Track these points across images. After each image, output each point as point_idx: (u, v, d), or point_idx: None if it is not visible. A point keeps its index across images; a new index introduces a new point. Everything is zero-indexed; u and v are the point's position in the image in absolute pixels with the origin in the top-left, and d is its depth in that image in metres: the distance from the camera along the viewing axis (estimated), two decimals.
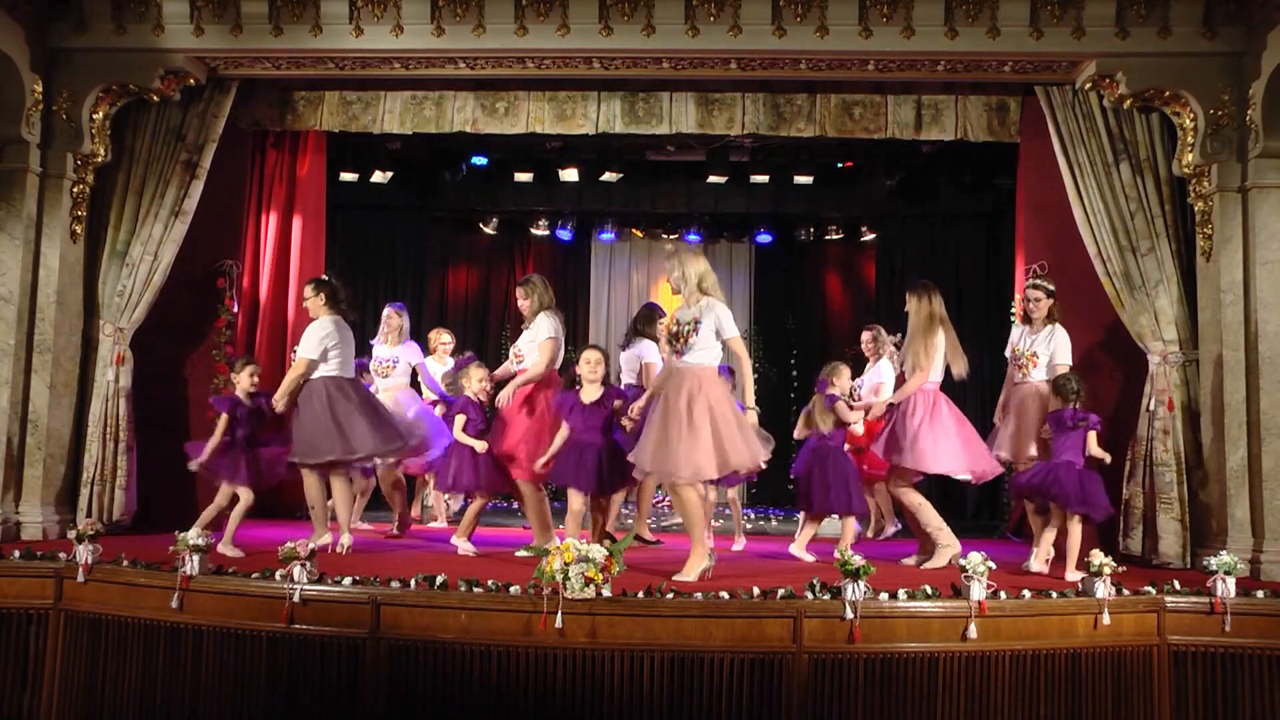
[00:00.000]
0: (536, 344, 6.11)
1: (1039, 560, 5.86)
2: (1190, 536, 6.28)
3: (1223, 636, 5.08)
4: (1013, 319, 7.93)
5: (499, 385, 6.45)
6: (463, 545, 6.24)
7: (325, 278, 6.45)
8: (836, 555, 6.04)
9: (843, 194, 10.72)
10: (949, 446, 5.95)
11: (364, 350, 7.23)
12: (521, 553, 6.02)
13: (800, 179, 10.00)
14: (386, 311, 7.63)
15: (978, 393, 10.43)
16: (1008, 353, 6.41)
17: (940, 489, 8.10)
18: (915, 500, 6.03)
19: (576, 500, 5.78)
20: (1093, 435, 5.74)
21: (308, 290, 6.35)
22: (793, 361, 11.66)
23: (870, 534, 7.53)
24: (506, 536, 7.14)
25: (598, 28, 6.46)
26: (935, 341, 6.00)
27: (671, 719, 4.60)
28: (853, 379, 6.73)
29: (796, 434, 6.47)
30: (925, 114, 7.17)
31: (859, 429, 6.39)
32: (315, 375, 6.11)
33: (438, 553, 6.30)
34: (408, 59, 6.78)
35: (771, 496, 10.61)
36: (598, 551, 4.62)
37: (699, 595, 4.77)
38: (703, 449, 5.14)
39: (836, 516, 6.37)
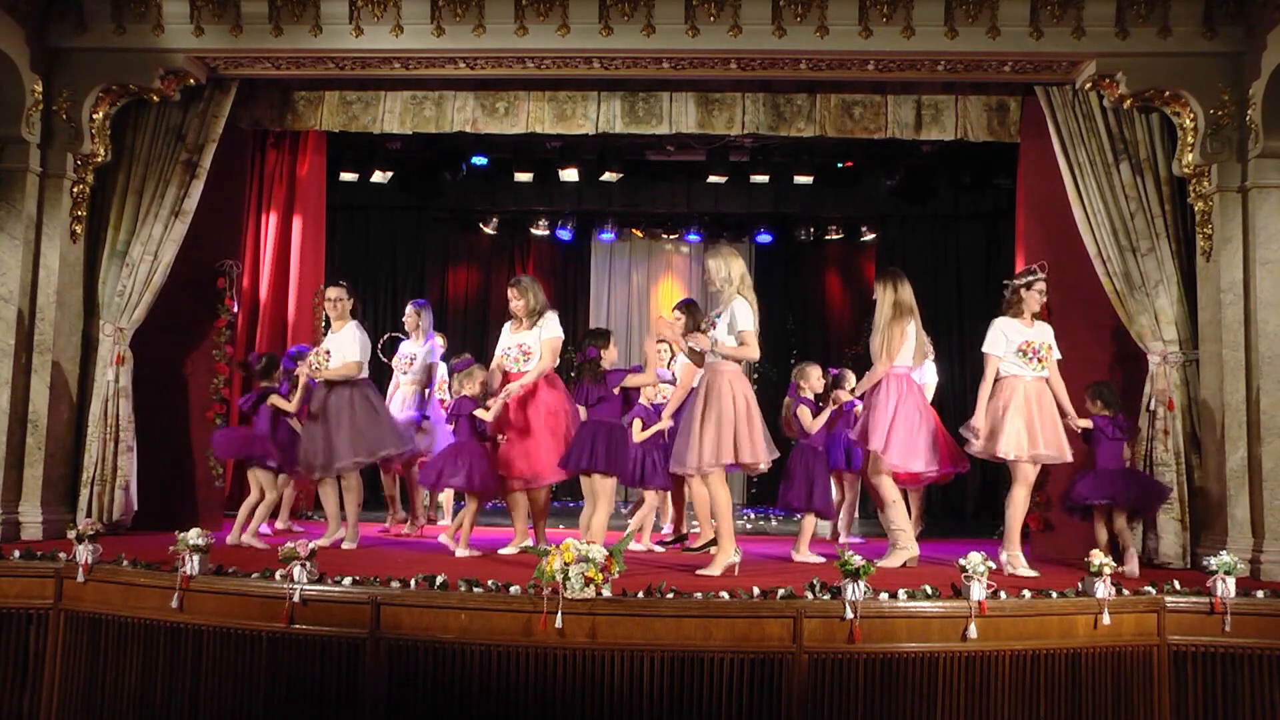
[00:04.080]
0: (543, 341, 6.18)
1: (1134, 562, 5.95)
2: (1190, 536, 6.28)
3: (1223, 636, 5.08)
4: None
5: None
6: (461, 551, 6.24)
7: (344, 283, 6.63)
8: (792, 554, 6.19)
9: (843, 194, 10.72)
10: (921, 441, 5.98)
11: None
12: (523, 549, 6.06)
13: (800, 179, 10.00)
14: (408, 309, 7.77)
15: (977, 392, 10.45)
16: (1017, 348, 5.95)
17: (940, 487, 8.09)
18: (891, 495, 6.03)
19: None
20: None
21: (341, 293, 6.50)
22: (792, 361, 11.60)
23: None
24: (507, 536, 7.14)
25: (598, 28, 6.46)
26: (902, 330, 6.00)
27: (671, 719, 4.60)
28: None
29: (785, 431, 6.50)
30: (925, 114, 7.16)
31: (813, 426, 6.36)
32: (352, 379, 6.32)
33: (438, 553, 6.30)
34: (408, 59, 6.78)
35: (772, 496, 10.60)
36: (598, 551, 4.62)
37: (699, 595, 4.77)
38: (710, 440, 5.35)
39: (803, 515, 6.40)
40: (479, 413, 6.25)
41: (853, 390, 6.25)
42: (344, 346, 6.32)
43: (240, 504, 7.13)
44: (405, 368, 7.56)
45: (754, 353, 5.47)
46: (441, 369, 7.72)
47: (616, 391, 5.78)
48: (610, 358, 5.95)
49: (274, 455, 6.40)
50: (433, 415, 7.47)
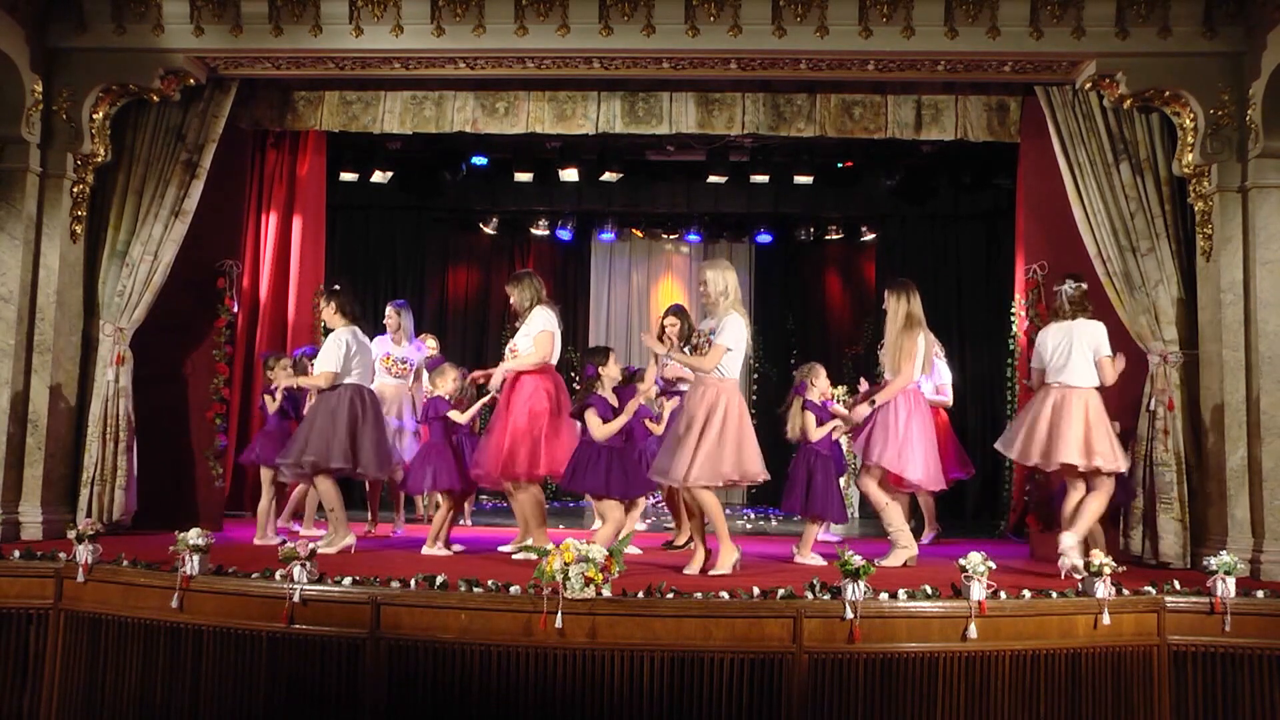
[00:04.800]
0: (532, 337, 6.08)
1: None
2: (1190, 536, 6.28)
3: (1223, 636, 5.08)
4: (1013, 318, 7.93)
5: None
6: (434, 548, 6.24)
7: (335, 286, 6.44)
8: (793, 554, 6.20)
9: (843, 194, 10.73)
10: (931, 457, 6.01)
11: None
12: (515, 553, 6.04)
13: (800, 179, 9.99)
14: (388, 310, 7.67)
15: (979, 392, 10.47)
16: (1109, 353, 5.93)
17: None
18: (883, 499, 6.05)
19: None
20: None
21: (319, 300, 6.41)
22: (792, 361, 11.63)
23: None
24: (506, 536, 7.14)
25: (598, 28, 6.46)
26: (917, 342, 6.00)
27: (671, 719, 4.60)
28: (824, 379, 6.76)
29: (789, 435, 6.47)
30: (925, 114, 7.16)
31: (816, 435, 6.35)
32: (339, 384, 6.16)
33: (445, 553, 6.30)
34: (408, 59, 6.78)
35: (772, 497, 10.61)
36: (598, 551, 4.62)
37: (699, 595, 4.77)
38: (704, 455, 5.33)
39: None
40: (452, 414, 6.31)
41: (872, 402, 6.15)
42: (320, 355, 6.27)
43: (239, 504, 7.17)
44: (399, 370, 7.50)
45: (708, 365, 5.41)
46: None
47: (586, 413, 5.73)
48: (611, 374, 5.87)
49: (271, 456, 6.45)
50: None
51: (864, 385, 6.99)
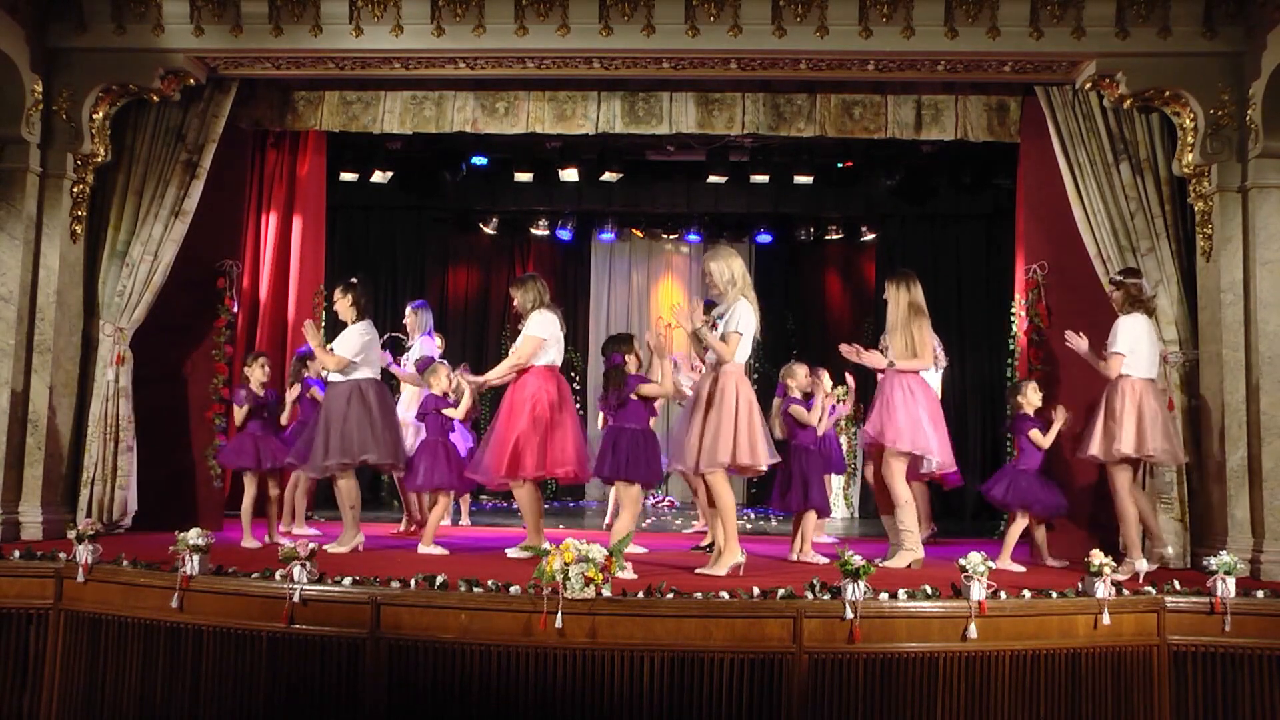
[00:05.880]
0: (522, 338, 6.06)
1: None
2: (1190, 536, 6.28)
3: (1223, 636, 5.08)
4: (1013, 319, 7.93)
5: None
6: (424, 548, 6.25)
7: (353, 280, 6.49)
8: (793, 557, 6.20)
9: (843, 194, 10.73)
10: (946, 443, 5.99)
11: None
12: (512, 552, 6.04)
13: (800, 179, 10.00)
14: (406, 311, 7.82)
15: (979, 392, 10.47)
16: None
17: (937, 485, 8.08)
18: (907, 495, 5.96)
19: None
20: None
21: (336, 294, 6.46)
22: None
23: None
24: (506, 536, 7.15)
25: (598, 28, 6.46)
26: (923, 327, 5.99)
27: (671, 719, 4.60)
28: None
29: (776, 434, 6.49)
30: (925, 114, 7.16)
31: (814, 419, 6.40)
32: (354, 378, 6.18)
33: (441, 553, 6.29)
34: (408, 59, 6.78)
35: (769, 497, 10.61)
36: (598, 551, 4.62)
37: (699, 595, 4.77)
38: (709, 441, 5.33)
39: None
40: (447, 411, 6.37)
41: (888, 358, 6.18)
42: (340, 342, 6.28)
43: (238, 504, 7.17)
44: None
45: (727, 353, 5.39)
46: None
47: (634, 397, 5.71)
48: (633, 362, 5.91)
49: (250, 458, 6.46)
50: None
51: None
